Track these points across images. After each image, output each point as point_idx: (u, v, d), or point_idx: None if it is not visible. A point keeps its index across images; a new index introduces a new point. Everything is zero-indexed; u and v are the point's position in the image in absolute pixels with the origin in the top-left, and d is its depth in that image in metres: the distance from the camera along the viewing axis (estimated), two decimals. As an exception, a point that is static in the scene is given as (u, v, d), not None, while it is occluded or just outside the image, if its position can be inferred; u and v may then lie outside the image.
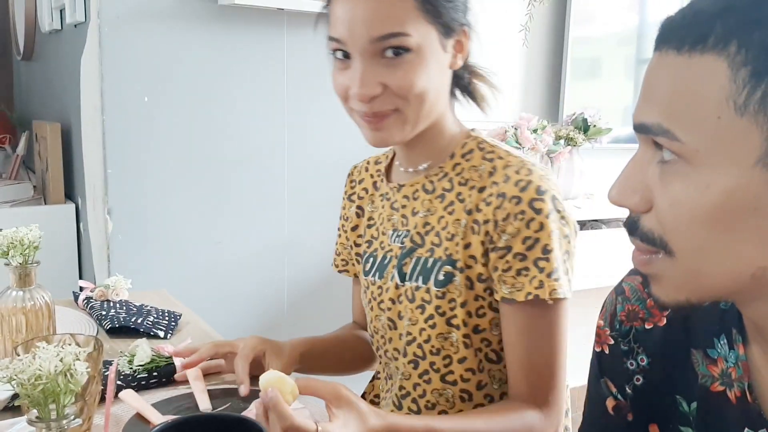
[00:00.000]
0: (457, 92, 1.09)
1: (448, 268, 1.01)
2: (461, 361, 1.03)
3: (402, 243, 1.08)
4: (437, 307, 1.02)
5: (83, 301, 1.39)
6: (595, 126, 2.61)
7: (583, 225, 2.64)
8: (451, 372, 1.04)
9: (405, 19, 0.93)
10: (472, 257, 0.99)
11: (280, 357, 1.08)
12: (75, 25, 2.23)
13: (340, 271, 1.27)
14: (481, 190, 1.00)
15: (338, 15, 0.95)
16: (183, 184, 2.18)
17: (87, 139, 2.18)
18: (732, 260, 0.54)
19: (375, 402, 1.21)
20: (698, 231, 0.54)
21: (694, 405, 0.68)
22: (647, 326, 0.73)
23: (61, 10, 2.41)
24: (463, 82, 1.08)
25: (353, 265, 1.22)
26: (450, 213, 1.02)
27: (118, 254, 2.13)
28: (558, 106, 2.86)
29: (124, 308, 1.35)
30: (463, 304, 1.01)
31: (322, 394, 0.83)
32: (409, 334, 1.06)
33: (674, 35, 0.55)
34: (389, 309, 1.09)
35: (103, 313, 1.31)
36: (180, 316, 1.36)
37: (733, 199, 0.52)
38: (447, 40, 0.98)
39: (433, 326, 1.03)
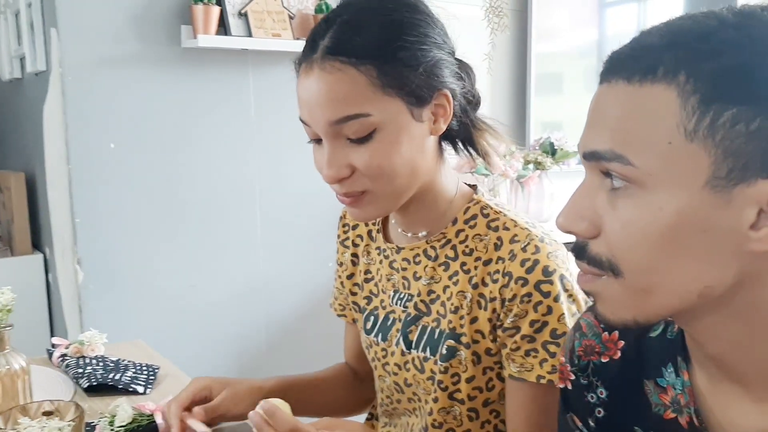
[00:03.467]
0: (459, 144, 1.03)
1: (452, 342, 0.97)
2: None
3: (405, 307, 1.04)
4: (440, 382, 0.99)
5: (58, 358, 1.35)
6: (562, 149, 2.65)
7: (556, 247, 2.66)
8: None
9: (362, 99, 0.86)
10: (479, 332, 0.96)
11: (231, 393, 1.05)
12: (36, 74, 2.20)
13: (338, 315, 1.23)
14: (487, 263, 0.95)
15: (301, 96, 0.91)
16: (153, 230, 2.15)
17: (52, 189, 2.15)
18: (680, 279, 0.57)
19: None
20: (648, 252, 0.56)
21: None
22: (603, 359, 0.75)
23: (21, 59, 2.38)
24: (463, 136, 1.02)
25: (351, 311, 1.19)
26: (455, 284, 0.98)
27: (90, 304, 2.08)
28: (524, 127, 2.90)
29: (101, 364, 1.32)
30: (469, 380, 0.98)
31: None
32: (425, 402, 1.04)
33: (624, 67, 0.57)
34: (395, 374, 1.06)
35: (80, 371, 1.28)
36: (158, 369, 1.33)
37: (684, 221, 0.55)
38: (421, 109, 0.90)
39: (435, 400, 1.00)
